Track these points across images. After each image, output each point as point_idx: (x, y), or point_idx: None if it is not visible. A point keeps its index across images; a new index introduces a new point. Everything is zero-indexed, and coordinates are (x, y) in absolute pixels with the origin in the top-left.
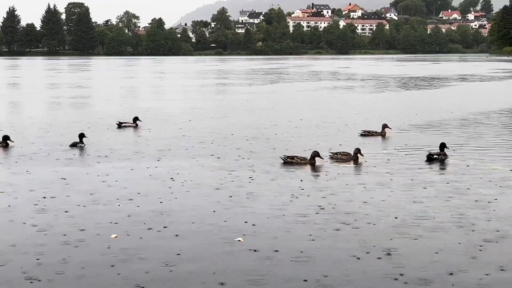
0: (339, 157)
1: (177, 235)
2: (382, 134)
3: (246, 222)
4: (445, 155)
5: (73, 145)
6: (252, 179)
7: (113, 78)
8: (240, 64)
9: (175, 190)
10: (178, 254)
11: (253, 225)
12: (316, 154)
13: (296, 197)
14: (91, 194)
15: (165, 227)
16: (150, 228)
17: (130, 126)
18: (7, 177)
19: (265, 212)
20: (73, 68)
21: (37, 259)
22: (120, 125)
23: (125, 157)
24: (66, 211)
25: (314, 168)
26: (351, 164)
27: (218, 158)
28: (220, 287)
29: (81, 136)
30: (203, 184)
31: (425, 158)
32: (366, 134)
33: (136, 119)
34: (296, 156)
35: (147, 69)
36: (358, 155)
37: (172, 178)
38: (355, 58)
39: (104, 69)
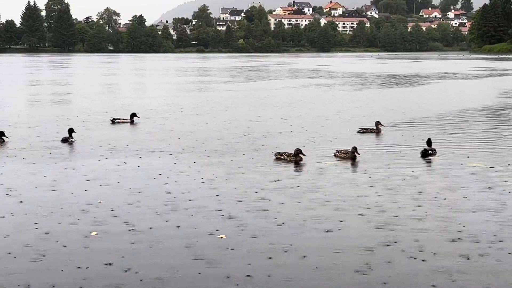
0: (340, 155)
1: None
2: (377, 132)
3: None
4: (434, 150)
5: (64, 140)
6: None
7: (94, 75)
8: (222, 61)
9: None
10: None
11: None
12: (298, 151)
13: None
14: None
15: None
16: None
17: (124, 122)
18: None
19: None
20: (53, 65)
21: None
22: (114, 121)
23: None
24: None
25: (298, 164)
26: (344, 162)
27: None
28: None
29: (71, 131)
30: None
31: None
32: (364, 131)
33: (133, 115)
34: (286, 153)
35: (128, 66)
36: (355, 153)
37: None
38: (336, 56)
39: (85, 66)
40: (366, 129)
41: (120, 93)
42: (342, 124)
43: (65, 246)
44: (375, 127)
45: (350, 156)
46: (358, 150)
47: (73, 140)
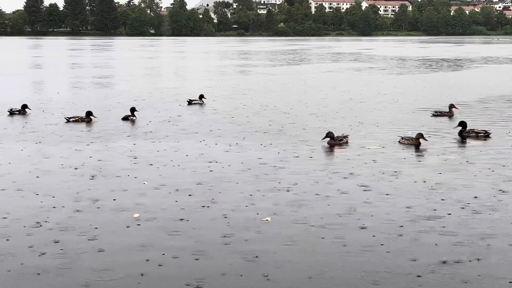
0: (404, 142)
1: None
2: (450, 115)
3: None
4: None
5: (125, 118)
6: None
7: (137, 58)
8: (262, 45)
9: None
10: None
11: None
12: (420, 135)
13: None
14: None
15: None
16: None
17: (197, 103)
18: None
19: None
20: (96, 48)
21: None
22: (190, 102)
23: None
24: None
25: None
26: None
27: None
28: None
29: (132, 110)
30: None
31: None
32: (438, 114)
33: (201, 96)
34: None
35: (170, 49)
36: (421, 140)
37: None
38: (377, 39)
39: (127, 49)
40: (440, 112)
41: (164, 76)
42: (395, 107)
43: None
44: (448, 110)
45: (415, 143)
46: (426, 136)
47: (134, 118)
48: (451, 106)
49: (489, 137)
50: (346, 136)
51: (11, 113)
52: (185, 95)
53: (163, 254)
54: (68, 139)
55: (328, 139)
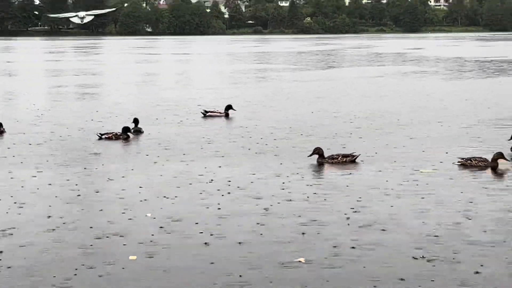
0: (474, 164)
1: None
2: None
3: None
4: None
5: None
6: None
7: (130, 62)
8: (285, 45)
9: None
10: None
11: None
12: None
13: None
14: None
15: None
16: None
17: (218, 116)
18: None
19: None
20: (80, 51)
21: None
22: (205, 114)
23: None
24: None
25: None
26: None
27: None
28: None
29: (136, 121)
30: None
31: None
32: None
33: (229, 107)
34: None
35: (170, 51)
36: (500, 160)
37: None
38: (427, 37)
39: (118, 52)
40: None
41: (163, 85)
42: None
43: None
44: None
45: (491, 164)
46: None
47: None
48: None
49: None
50: (350, 155)
51: None
52: (193, 107)
53: None
54: (121, 159)
55: (316, 156)
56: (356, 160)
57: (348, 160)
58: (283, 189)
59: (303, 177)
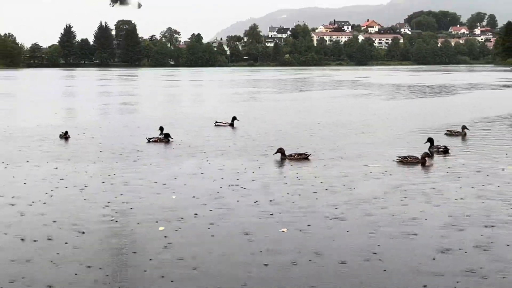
0: (408, 161)
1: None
2: (463, 134)
3: None
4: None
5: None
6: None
7: (159, 86)
8: (270, 74)
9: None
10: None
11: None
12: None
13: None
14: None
15: None
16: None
17: (225, 125)
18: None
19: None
20: (123, 78)
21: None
22: (216, 124)
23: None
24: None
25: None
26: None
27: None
28: None
29: (161, 129)
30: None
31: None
32: (450, 133)
33: (234, 118)
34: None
35: (188, 78)
36: (426, 158)
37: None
38: (372, 68)
39: (150, 78)
40: (452, 131)
41: (182, 103)
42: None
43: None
44: (461, 130)
45: (420, 161)
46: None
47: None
48: (464, 127)
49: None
50: (304, 154)
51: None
52: (206, 119)
53: None
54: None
55: (279, 154)
56: (309, 158)
57: (302, 158)
58: (253, 174)
59: (268, 169)
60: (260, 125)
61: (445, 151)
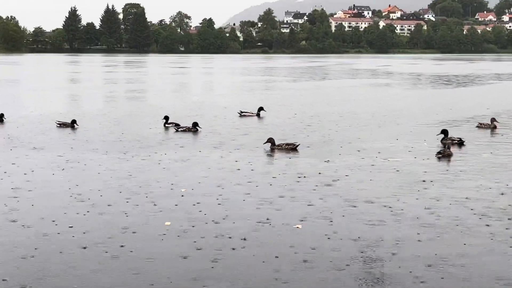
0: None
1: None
2: (492, 127)
3: None
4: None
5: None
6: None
7: (168, 74)
8: (285, 62)
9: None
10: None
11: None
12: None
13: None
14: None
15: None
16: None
17: (251, 116)
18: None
19: None
20: (130, 65)
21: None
22: (241, 114)
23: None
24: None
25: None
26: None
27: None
28: None
29: (166, 118)
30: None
31: None
32: (481, 126)
33: (260, 109)
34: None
35: (198, 65)
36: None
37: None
38: (394, 57)
39: (159, 65)
40: (483, 124)
41: (193, 91)
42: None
43: None
44: (490, 122)
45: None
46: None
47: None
48: (493, 119)
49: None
50: (292, 144)
51: (60, 125)
52: (220, 109)
53: None
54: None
55: (269, 144)
56: (297, 148)
57: (289, 148)
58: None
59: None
60: (285, 116)
61: (460, 143)
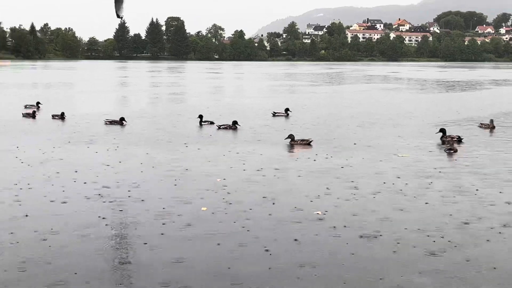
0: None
1: None
2: (491, 127)
3: None
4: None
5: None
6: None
7: (204, 78)
8: (307, 68)
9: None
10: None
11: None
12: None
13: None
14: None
15: None
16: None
17: (282, 115)
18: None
19: None
20: (172, 70)
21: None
22: (274, 114)
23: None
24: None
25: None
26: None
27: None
28: None
29: (200, 117)
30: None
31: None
32: (481, 126)
33: (287, 110)
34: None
35: (231, 71)
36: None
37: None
38: (403, 64)
39: (196, 71)
40: (483, 124)
41: (227, 94)
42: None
43: None
44: (489, 123)
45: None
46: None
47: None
48: (491, 121)
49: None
50: (306, 140)
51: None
52: (251, 109)
53: None
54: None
55: (289, 139)
56: (311, 144)
57: (304, 143)
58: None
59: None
60: (310, 116)
61: (459, 140)
